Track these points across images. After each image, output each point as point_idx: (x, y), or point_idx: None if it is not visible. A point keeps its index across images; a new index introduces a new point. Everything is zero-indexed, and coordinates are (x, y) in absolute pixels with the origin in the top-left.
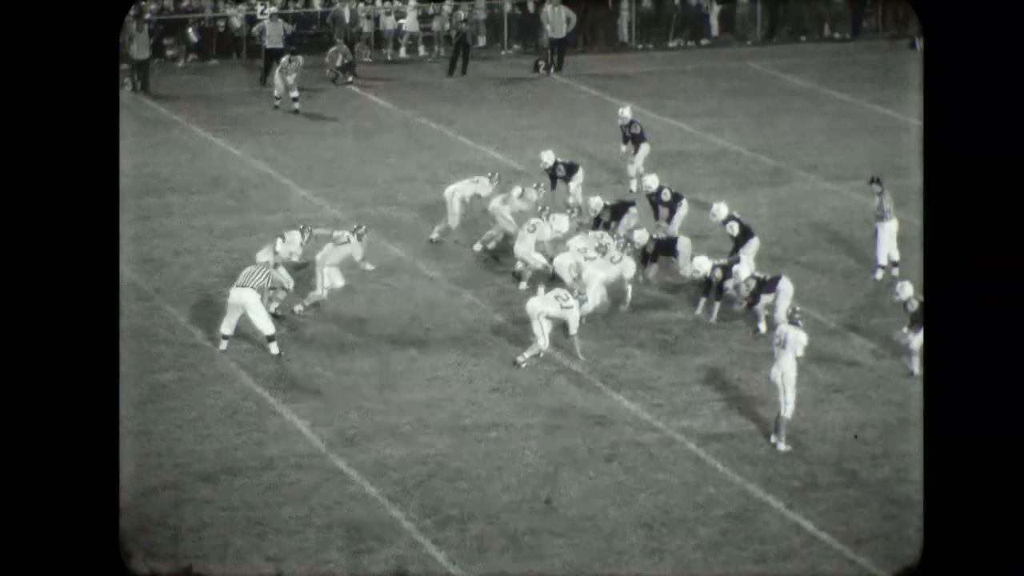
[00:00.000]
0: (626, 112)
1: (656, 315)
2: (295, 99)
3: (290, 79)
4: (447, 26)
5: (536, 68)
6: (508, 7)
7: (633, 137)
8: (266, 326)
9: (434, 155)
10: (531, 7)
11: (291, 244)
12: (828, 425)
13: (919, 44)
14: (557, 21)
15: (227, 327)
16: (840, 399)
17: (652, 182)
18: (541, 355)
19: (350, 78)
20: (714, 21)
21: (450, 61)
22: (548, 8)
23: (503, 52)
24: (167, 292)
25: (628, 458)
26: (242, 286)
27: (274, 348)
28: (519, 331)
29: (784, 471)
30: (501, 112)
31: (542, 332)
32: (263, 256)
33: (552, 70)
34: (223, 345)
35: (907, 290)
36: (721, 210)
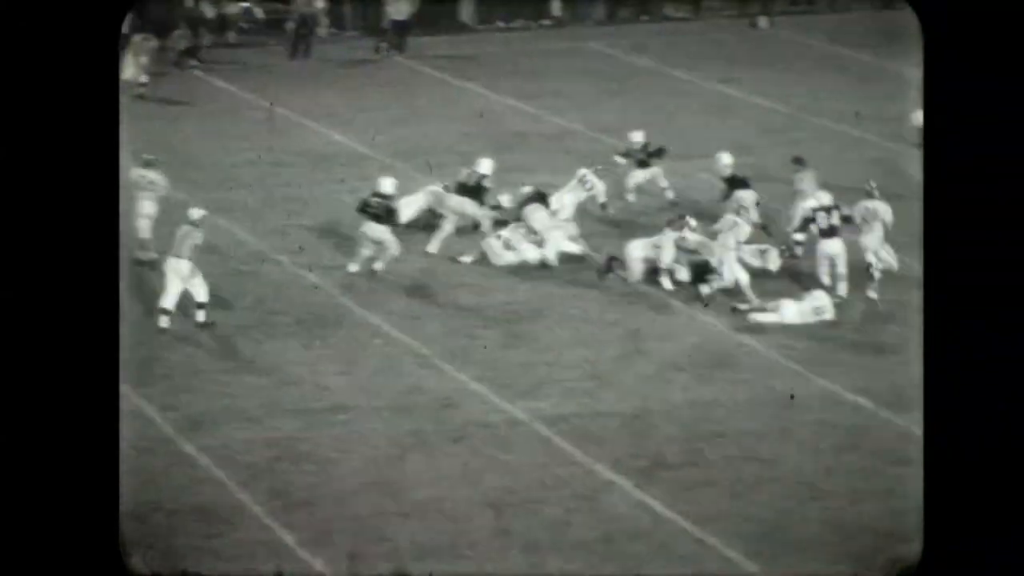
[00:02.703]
0: (726, 158)
1: (501, 296)
2: (143, 84)
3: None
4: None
5: (378, 50)
6: None
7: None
8: (200, 293)
9: (278, 137)
10: None
11: None
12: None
13: (761, 22)
14: (399, 2)
15: (168, 301)
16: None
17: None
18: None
19: (194, 62)
20: (556, 2)
21: (292, 44)
22: None
23: (345, 34)
24: None
25: (475, 439)
26: (177, 256)
27: (201, 316)
28: (365, 314)
29: (630, 451)
30: (344, 94)
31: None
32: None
33: (394, 52)
34: (163, 321)
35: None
36: (723, 158)
